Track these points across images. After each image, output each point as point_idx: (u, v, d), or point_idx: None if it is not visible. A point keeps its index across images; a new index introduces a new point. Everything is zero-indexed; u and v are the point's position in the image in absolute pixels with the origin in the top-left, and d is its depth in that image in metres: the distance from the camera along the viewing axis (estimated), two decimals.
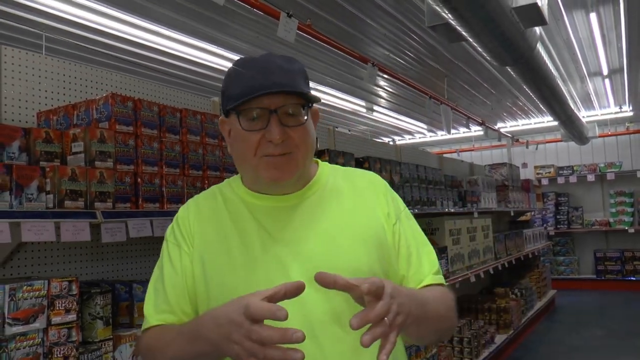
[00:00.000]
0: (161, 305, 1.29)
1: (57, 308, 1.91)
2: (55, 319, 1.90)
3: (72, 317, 1.95)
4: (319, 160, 1.43)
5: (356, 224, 1.29)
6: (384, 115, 10.43)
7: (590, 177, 11.51)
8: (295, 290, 0.99)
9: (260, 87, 1.16)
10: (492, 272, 6.03)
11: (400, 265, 1.33)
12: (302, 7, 4.95)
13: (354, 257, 1.24)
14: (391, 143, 12.42)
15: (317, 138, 1.37)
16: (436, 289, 1.31)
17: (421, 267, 1.34)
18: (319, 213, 1.29)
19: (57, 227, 1.92)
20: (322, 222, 1.27)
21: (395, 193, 1.44)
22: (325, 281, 1.00)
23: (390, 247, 1.32)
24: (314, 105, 1.27)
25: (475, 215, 5.78)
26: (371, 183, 1.40)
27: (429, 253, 1.38)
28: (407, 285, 1.32)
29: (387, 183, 1.44)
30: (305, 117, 1.23)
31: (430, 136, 12.95)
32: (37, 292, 1.85)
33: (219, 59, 6.70)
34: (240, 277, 1.23)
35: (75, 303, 1.96)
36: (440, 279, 1.36)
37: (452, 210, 5.20)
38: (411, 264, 1.33)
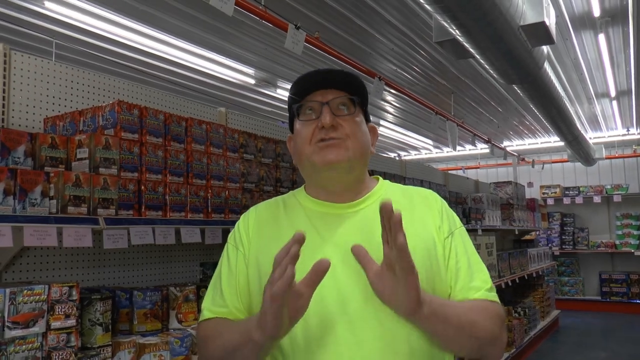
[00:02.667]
0: (217, 300, 1.38)
1: (57, 313, 1.90)
2: (55, 324, 1.90)
3: (71, 322, 1.95)
4: (380, 177, 1.51)
5: (406, 233, 1.27)
6: (390, 130, 10.45)
7: (597, 199, 11.45)
8: (320, 268, 1.07)
9: (313, 84, 1.35)
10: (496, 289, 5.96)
11: (448, 278, 1.34)
12: (310, 19, 4.98)
13: None
14: (397, 158, 12.42)
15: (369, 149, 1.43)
16: (477, 301, 1.31)
17: (470, 283, 1.34)
18: (371, 222, 1.30)
19: (59, 232, 1.92)
20: (372, 230, 1.26)
21: (451, 211, 1.46)
22: (359, 254, 1.11)
23: (440, 259, 1.33)
24: (372, 124, 1.44)
25: (479, 232, 5.76)
26: (426, 198, 1.44)
27: (480, 271, 1.38)
28: (454, 299, 1.32)
29: (443, 200, 1.47)
30: (355, 111, 1.35)
31: (436, 152, 12.95)
32: (38, 297, 1.85)
33: (227, 70, 6.74)
34: None
35: (75, 308, 1.96)
36: (489, 295, 1.35)
37: None
38: (459, 278, 1.34)
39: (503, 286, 6.27)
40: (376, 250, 1.19)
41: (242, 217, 1.50)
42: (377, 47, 6.04)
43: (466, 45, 4.12)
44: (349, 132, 1.33)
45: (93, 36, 5.63)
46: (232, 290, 1.38)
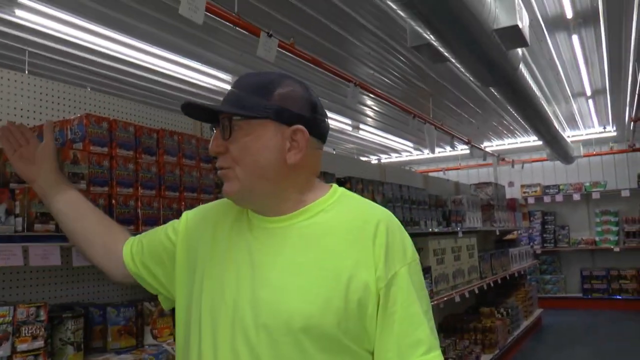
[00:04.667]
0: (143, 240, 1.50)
1: (24, 335, 1.85)
2: (21, 346, 1.84)
3: (39, 344, 1.89)
4: (335, 185, 1.34)
5: (327, 269, 1.16)
6: (370, 133, 10.45)
7: (576, 196, 11.57)
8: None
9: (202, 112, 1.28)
10: (477, 291, 6.00)
11: (374, 326, 1.18)
12: (286, 25, 4.96)
13: (306, 304, 1.14)
14: (376, 161, 12.43)
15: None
16: None
17: (406, 338, 1.16)
18: (298, 243, 1.21)
19: (25, 251, 1.86)
20: (294, 255, 1.20)
21: (404, 240, 1.25)
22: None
23: (368, 310, 1.16)
24: (297, 125, 1.21)
25: (460, 234, 5.77)
26: (372, 226, 1.21)
27: (421, 324, 1.18)
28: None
29: (397, 226, 1.25)
30: (237, 131, 1.21)
31: (417, 154, 12.99)
32: (2, 319, 1.80)
33: (202, 76, 6.69)
34: (207, 266, 1.30)
35: (43, 329, 1.90)
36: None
37: (436, 230, 5.18)
38: (391, 331, 1.16)
39: (485, 287, 6.29)
40: (288, 274, 1.16)
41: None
42: (354, 52, 6.03)
43: (441, 49, 4.13)
44: (236, 156, 1.21)
45: (67, 44, 5.55)
46: (149, 240, 1.48)
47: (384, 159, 13.30)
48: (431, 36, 3.74)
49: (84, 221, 1.60)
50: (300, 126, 1.23)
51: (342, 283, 1.15)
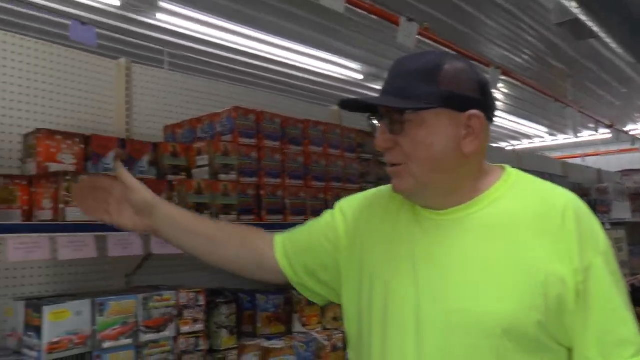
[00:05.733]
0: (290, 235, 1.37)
1: (185, 318, 1.95)
2: (184, 328, 1.95)
3: (199, 326, 1.99)
4: (507, 167, 1.22)
5: (519, 263, 1.07)
6: (500, 118, 10.00)
7: None
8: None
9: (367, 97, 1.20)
10: (630, 289, 5.51)
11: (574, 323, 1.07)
12: (418, 10, 4.84)
13: (503, 303, 1.05)
14: (508, 148, 11.86)
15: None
16: None
17: (608, 335, 1.06)
18: (479, 236, 1.11)
19: None
20: (478, 248, 1.10)
21: (594, 226, 1.12)
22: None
23: (568, 305, 1.06)
24: (471, 110, 1.11)
25: (607, 226, 5.32)
26: (558, 212, 1.09)
27: (622, 324, 1.07)
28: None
29: (585, 211, 1.13)
30: (407, 124, 1.11)
31: (552, 140, 12.22)
32: (167, 302, 1.91)
33: (333, 67, 6.77)
34: (378, 262, 1.21)
35: (202, 313, 2.00)
36: None
37: None
38: (590, 326, 1.06)
39: (637, 284, 5.76)
40: (452, 266, 1.09)
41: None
42: (487, 33, 5.78)
43: (590, 24, 3.81)
44: (408, 151, 1.12)
45: (203, 43, 5.85)
46: (302, 242, 1.34)
47: (515, 145, 12.67)
48: (580, 11, 3.45)
49: (219, 235, 1.37)
50: (475, 111, 1.12)
51: (538, 278, 1.05)
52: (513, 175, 1.19)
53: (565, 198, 1.13)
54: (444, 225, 1.16)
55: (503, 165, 1.23)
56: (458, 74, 1.13)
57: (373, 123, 1.21)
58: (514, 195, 1.15)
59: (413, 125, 1.11)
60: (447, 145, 1.11)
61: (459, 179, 1.15)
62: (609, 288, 1.07)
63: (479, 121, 1.12)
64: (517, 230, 1.10)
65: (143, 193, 1.31)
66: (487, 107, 1.16)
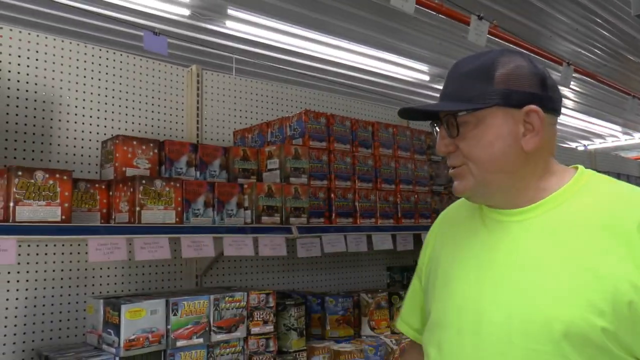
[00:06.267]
0: (404, 314, 1.41)
1: (256, 319, 1.98)
2: (254, 329, 1.98)
3: (269, 328, 2.02)
4: (580, 167, 1.17)
5: (586, 268, 1.02)
6: (570, 117, 9.59)
7: None
8: None
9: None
10: None
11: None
12: (486, 7, 4.72)
13: (566, 308, 1.00)
14: (580, 148, 11.37)
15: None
16: None
17: None
18: (546, 238, 1.07)
19: (255, 241, 1.99)
20: (543, 251, 1.06)
21: None
22: None
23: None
24: (528, 106, 1.08)
25: None
26: (635, 217, 1.02)
27: None
28: None
29: None
30: (463, 127, 1.11)
31: (626, 139, 11.62)
32: (238, 303, 1.94)
33: (400, 68, 6.75)
34: (446, 278, 1.21)
35: (272, 315, 2.02)
36: None
37: None
38: None
39: None
40: (515, 268, 1.06)
41: None
42: (557, 28, 5.55)
43: None
44: (467, 153, 1.12)
45: (271, 49, 5.94)
46: (409, 303, 1.39)
47: (587, 145, 12.14)
48: None
49: None
50: (532, 106, 1.08)
51: (606, 284, 0.99)
52: (586, 176, 1.14)
53: None
54: (509, 226, 1.13)
55: (577, 165, 1.19)
56: (514, 70, 1.11)
57: (435, 129, 1.21)
58: (586, 196, 1.10)
59: (469, 126, 1.11)
60: (506, 144, 1.09)
61: (522, 178, 1.12)
62: None
63: (538, 116, 1.09)
64: (586, 233, 1.05)
65: None
66: (548, 100, 1.12)
